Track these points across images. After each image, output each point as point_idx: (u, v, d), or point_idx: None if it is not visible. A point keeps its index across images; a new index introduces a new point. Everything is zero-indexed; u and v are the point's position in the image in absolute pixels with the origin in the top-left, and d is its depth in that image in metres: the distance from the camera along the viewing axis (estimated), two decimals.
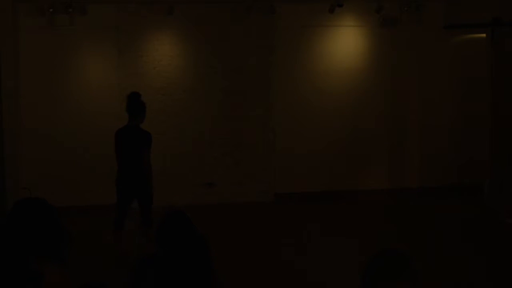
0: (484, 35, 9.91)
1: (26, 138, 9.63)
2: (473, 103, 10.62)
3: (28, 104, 9.67)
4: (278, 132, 10.50)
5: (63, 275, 3.01)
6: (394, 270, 2.49)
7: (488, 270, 7.02)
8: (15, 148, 9.32)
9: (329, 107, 10.60)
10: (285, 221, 9.37)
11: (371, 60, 10.68)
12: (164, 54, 10.12)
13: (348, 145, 10.69)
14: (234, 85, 10.32)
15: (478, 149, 10.24)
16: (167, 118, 10.08)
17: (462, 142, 10.80)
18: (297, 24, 10.39)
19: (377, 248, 2.62)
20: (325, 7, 10.17)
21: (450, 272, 6.82)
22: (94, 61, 9.99)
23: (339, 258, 7.39)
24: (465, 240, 8.19)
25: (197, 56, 10.24)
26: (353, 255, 7.03)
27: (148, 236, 6.82)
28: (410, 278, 2.49)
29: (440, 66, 10.81)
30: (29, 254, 2.88)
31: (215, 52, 10.25)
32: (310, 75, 10.54)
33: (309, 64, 10.54)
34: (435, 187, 10.72)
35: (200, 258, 3.28)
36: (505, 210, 9.07)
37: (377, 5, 10.21)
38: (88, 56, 9.97)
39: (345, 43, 10.62)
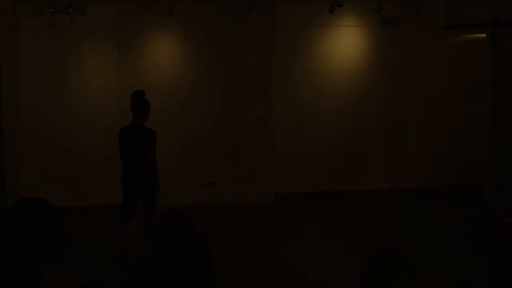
0: (484, 35, 9.91)
1: (26, 138, 9.63)
2: (473, 103, 10.62)
3: (28, 104, 9.67)
4: (278, 132, 10.50)
5: (63, 275, 3.01)
6: (394, 270, 2.49)
7: (488, 270, 7.03)
8: (15, 148, 9.32)
9: (329, 107, 10.60)
10: (285, 221, 9.37)
11: (371, 60, 10.68)
12: (164, 54, 10.12)
13: (348, 145, 10.69)
14: (234, 85, 10.32)
15: (478, 149, 10.24)
16: (167, 118, 10.08)
17: (462, 142, 10.80)
18: (297, 24, 10.38)
19: (377, 248, 2.62)
20: (325, 7, 10.17)
21: (450, 272, 6.82)
22: (94, 61, 9.99)
23: (339, 258, 7.38)
24: (465, 240, 8.19)
25: (197, 56, 10.24)
26: (353, 255, 7.03)
27: (150, 236, 6.82)
28: (410, 278, 2.49)
29: (440, 66, 10.81)
30: (29, 254, 2.88)
31: (215, 52, 10.25)
32: (310, 75, 10.54)
33: (309, 64, 10.54)
34: (435, 187, 10.72)
35: (199, 258, 3.27)
36: (505, 210, 9.07)
37: (377, 5, 10.21)
38: (88, 56, 9.97)
39: (345, 43, 10.62)
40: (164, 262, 3.20)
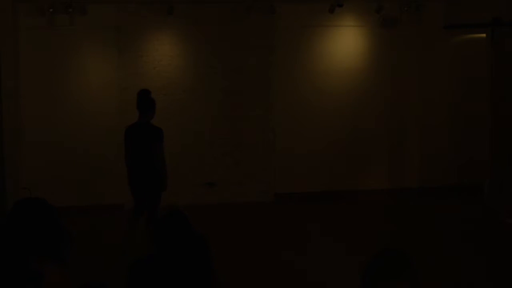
0: (484, 35, 9.91)
1: (26, 138, 9.63)
2: (473, 103, 10.62)
3: (28, 104, 9.67)
4: (278, 132, 10.50)
5: (63, 275, 3.01)
6: (394, 270, 2.49)
7: (488, 270, 7.02)
8: (15, 148, 9.32)
9: (329, 107, 10.60)
10: (285, 221, 9.37)
11: (371, 60, 10.68)
12: (164, 54, 10.12)
13: (348, 145, 10.69)
14: (234, 85, 10.32)
15: (478, 149, 10.24)
16: (167, 118, 10.06)
17: (462, 142, 10.80)
18: (297, 24, 10.39)
19: (377, 248, 2.62)
20: (325, 7, 10.17)
21: (450, 272, 6.82)
22: (94, 61, 9.99)
23: (339, 258, 7.38)
24: (465, 240, 8.19)
25: (197, 56, 10.24)
26: (353, 255, 7.03)
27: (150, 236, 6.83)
28: (410, 278, 2.49)
29: (440, 66, 10.81)
30: (29, 254, 2.88)
31: (215, 52, 10.25)
32: (310, 75, 10.54)
33: (309, 64, 10.54)
34: (435, 187, 10.72)
35: (198, 258, 3.27)
36: (505, 210, 9.07)
37: (377, 5, 10.21)
38: (88, 56, 9.96)
39: (345, 43, 10.62)
40: (162, 263, 3.20)
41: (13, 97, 9.25)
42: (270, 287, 6.66)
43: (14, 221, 3.07)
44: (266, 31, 10.34)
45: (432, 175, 10.79)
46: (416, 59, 10.75)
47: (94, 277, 3.03)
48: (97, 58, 9.99)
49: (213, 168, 10.35)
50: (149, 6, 9.96)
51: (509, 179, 9.20)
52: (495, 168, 9.59)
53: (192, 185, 10.16)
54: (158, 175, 7.27)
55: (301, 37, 10.46)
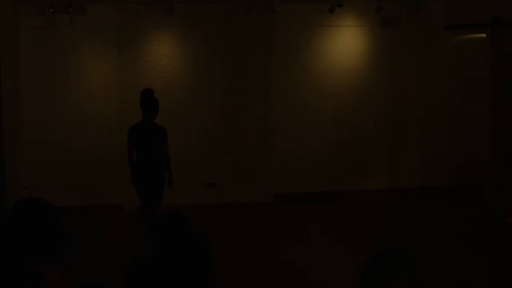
0: (484, 35, 9.90)
1: (26, 138, 9.63)
2: (473, 103, 10.62)
3: (28, 104, 9.66)
4: (278, 132, 10.50)
5: (63, 275, 3.01)
6: (394, 270, 2.49)
7: (488, 270, 7.02)
8: (15, 148, 9.31)
9: (329, 107, 10.60)
10: (285, 221, 9.37)
11: (371, 60, 10.68)
12: (164, 54, 10.12)
13: (348, 145, 10.69)
14: (234, 85, 10.32)
15: (478, 149, 10.23)
16: (167, 118, 10.05)
17: (462, 142, 10.80)
18: (297, 24, 10.38)
19: (377, 248, 2.62)
20: (325, 7, 10.17)
21: (450, 272, 6.82)
22: (94, 61, 9.99)
23: (339, 258, 7.38)
24: (465, 240, 8.19)
25: (197, 56, 10.24)
26: (353, 255, 7.03)
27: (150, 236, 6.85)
28: (410, 278, 2.49)
29: (440, 66, 10.81)
30: (29, 254, 2.88)
31: (215, 52, 10.25)
32: (310, 75, 10.53)
33: (309, 64, 10.53)
34: (435, 187, 10.72)
35: (197, 259, 3.27)
36: (505, 210, 9.07)
37: (377, 5, 10.21)
38: (88, 56, 9.96)
39: (345, 43, 10.62)
40: (161, 263, 3.20)
41: (13, 97, 9.25)
42: (270, 287, 6.65)
43: (14, 221, 3.06)
44: (266, 31, 10.34)
45: (432, 175, 10.79)
46: (416, 59, 10.75)
47: (94, 277, 3.03)
48: (97, 58, 9.99)
49: (213, 168, 10.34)
50: (149, 6, 9.96)
51: (509, 179, 9.20)
52: (495, 168, 9.59)
53: (192, 185, 10.16)
54: (162, 175, 7.35)
55: (301, 37, 10.46)
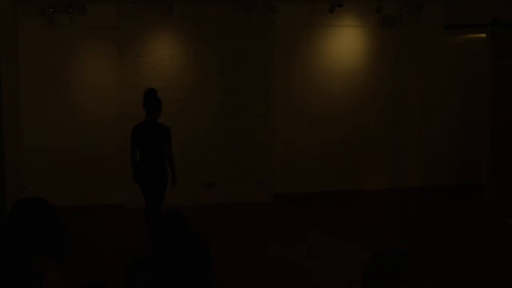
0: (484, 35, 9.91)
1: (26, 138, 9.63)
2: (473, 103, 10.62)
3: (28, 104, 9.66)
4: (278, 132, 10.50)
5: (63, 275, 3.01)
6: (394, 270, 2.49)
7: (488, 270, 7.03)
8: (15, 148, 9.31)
9: (329, 107, 10.60)
10: (285, 221, 9.37)
11: (371, 60, 10.68)
12: (164, 54, 10.12)
13: (348, 145, 10.69)
14: (234, 85, 10.32)
15: (478, 149, 10.23)
16: (167, 118, 10.04)
17: (462, 142, 10.81)
18: (297, 24, 10.38)
19: (377, 248, 2.62)
20: (325, 7, 10.18)
21: (450, 272, 6.83)
22: (94, 61, 9.99)
23: (339, 257, 7.39)
24: (465, 240, 8.20)
25: (197, 56, 10.24)
26: (353, 255, 7.04)
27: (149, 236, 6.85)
28: (410, 278, 2.50)
29: (440, 66, 10.81)
30: (29, 254, 2.88)
31: (215, 52, 10.25)
32: (310, 75, 10.54)
33: (309, 64, 10.54)
34: (435, 187, 10.72)
35: (195, 259, 3.26)
36: (505, 210, 9.07)
37: (377, 5, 10.21)
38: (88, 56, 9.96)
39: (345, 43, 10.62)
40: (159, 263, 3.20)
41: (13, 97, 9.24)
42: (270, 287, 6.66)
43: (14, 221, 3.06)
44: (266, 31, 10.34)
45: (432, 175, 10.79)
46: (416, 59, 10.75)
47: (94, 277, 3.03)
48: (97, 58, 9.99)
49: (213, 168, 10.35)
50: (149, 6, 9.96)
51: (509, 179, 9.21)
52: (495, 168, 9.59)
53: (192, 185, 10.16)
54: (166, 174, 7.38)
55: (301, 37, 10.46)
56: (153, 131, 7.37)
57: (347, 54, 10.62)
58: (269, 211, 9.96)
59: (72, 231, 3.26)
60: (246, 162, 10.41)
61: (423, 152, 10.85)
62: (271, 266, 7.22)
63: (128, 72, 10.00)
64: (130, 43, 10.00)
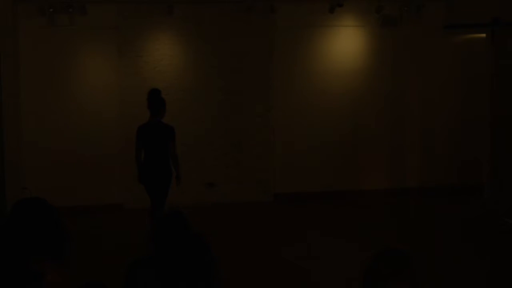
0: (484, 35, 9.91)
1: (26, 138, 9.63)
2: (473, 103, 10.62)
3: (28, 104, 9.67)
4: (278, 132, 10.50)
5: (63, 275, 3.01)
6: (394, 270, 2.49)
7: (488, 270, 7.03)
8: (15, 148, 9.31)
9: (329, 107, 10.60)
10: (285, 221, 9.37)
11: (371, 60, 10.68)
12: (164, 54, 10.12)
13: (348, 145, 10.69)
14: (234, 85, 10.32)
15: (478, 149, 10.24)
16: (167, 118, 10.05)
17: (462, 142, 10.81)
18: (297, 24, 10.38)
19: (377, 248, 2.62)
20: (325, 7, 10.18)
21: (450, 272, 6.82)
22: (94, 61, 9.99)
23: (339, 257, 7.39)
24: (465, 240, 8.20)
25: (197, 56, 10.24)
26: (353, 255, 7.04)
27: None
28: (410, 278, 2.49)
29: (440, 66, 10.81)
30: (30, 254, 2.88)
31: (215, 52, 10.25)
32: (310, 75, 10.54)
33: (309, 64, 10.54)
34: (435, 187, 10.72)
35: (196, 259, 3.26)
36: (505, 210, 9.07)
37: (377, 5, 10.21)
38: (88, 56, 9.96)
39: (345, 43, 10.62)
40: (160, 263, 3.20)
41: (13, 97, 9.24)
42: (270, 287, 6.66)
43: (14, 221, 3.06)
44: (266, 31, 10.34)
45: (432, 175, 10.79)
46: (416, 59, 10.75)
47: (94, 277, 3.03)
48: (97, 58, 9.99)
49: (213, 168, 10.35)
50: (149, 6, 9.96)
51: (509, 179, 9.21)
52: (495, 168, 9.59)
53: (192, 185, 10.16)
54: (170, 174, 7.42)
55: (301, 37, 10.46)
56: (157, 131, 7.40)
57: (347, 54, 10.62)
58: (269, 211, 9.96)
59: (72, 231, 3.25)
60: (246, 162, 10.41)
61: (423, 152, 10.85)
62: (271, 266, 7.22)
63: (128, 72, 10.00)
64: (130, 43, 10.00)
